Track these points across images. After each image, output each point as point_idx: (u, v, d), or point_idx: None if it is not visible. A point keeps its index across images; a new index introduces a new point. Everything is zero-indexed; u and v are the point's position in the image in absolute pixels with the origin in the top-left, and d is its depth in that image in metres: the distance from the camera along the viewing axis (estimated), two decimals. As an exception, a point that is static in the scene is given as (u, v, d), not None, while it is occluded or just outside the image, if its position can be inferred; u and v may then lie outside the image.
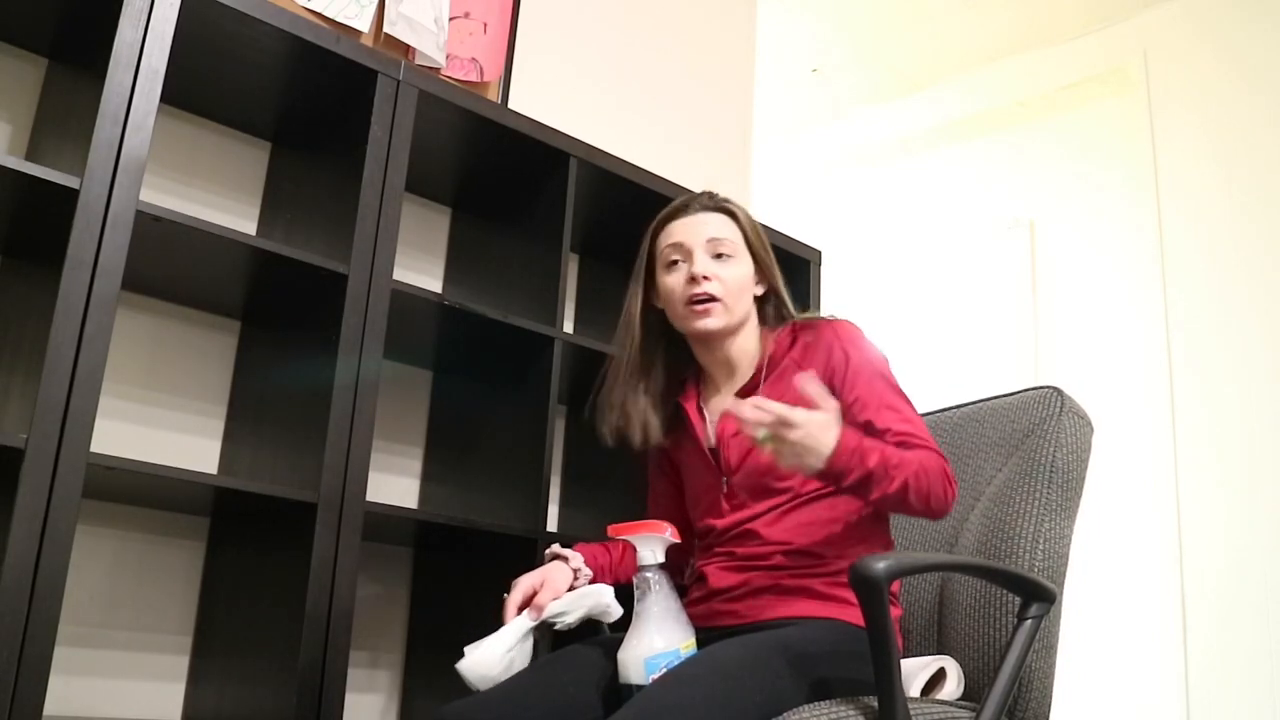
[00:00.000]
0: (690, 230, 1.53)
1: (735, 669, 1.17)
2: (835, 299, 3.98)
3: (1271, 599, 2.98)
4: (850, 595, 1.33)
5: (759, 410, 1.23)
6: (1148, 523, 3.35)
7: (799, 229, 3.11)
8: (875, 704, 1.13)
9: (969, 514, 1.50)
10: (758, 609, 1.39)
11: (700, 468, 1.55)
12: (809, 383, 1.28)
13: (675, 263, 1.53)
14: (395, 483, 2.02)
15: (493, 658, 1.34)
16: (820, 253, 2.48)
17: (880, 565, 1.06)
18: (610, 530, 1.38)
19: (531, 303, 1.91)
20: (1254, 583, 3.03)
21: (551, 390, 1.82)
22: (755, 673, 1.17)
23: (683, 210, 1.56)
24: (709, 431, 1.55)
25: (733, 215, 1.56)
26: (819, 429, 1.24)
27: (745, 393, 1.51)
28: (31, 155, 1.64)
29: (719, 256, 1.52)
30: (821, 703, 1.16)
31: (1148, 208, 3.55)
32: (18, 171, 1.33)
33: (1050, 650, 1.34)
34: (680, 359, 1.61)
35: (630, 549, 1.41)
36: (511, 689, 1.30)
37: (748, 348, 1.56)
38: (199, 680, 1.70)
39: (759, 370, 1.53)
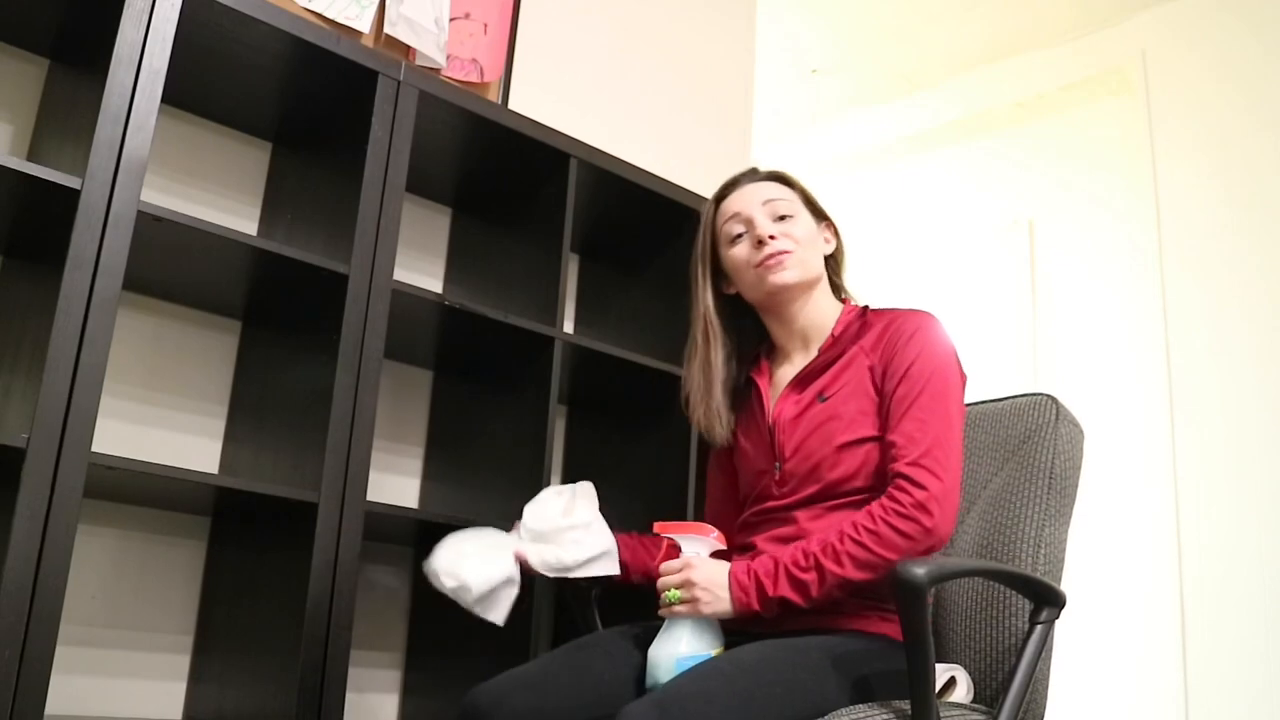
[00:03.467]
0: (745, 200, 1.54)
1: (759, 666, 1.18)
2: (835, 299, 3.98)
3: (1269, 600, 2.99)
4: (876, 606, 1.35)
5: (665, 577, 1.32)
6: (1145, 523, 3.36)
7: (799, 229, 3.11)
8: (908, 708, 1.14)
9: (965, 516, 1.50)
10: (786, 619, 1.37)
11: (757, 448, 1.53)
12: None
13: (739, 236, 1.53)
14: (395, 483, 2.02)
15: (450, 549, 1.38)
16: (820, 253, 2.48)
17: (922, 571, 1.06)
18: (656, 528, 1.39)
19: (531, 303, 1.91)
20: (1252, 583, 3.03)
21: (551, 390, 1.83)
22: (780, 672, 1.18)
23: (733, 186, 1.58)
24: (771, 407, 1.53)
25: (783, 179, 1.57)
26: (713, 580, 1.29)
27: (810, 374, 1.49)
28: (33, 155, 1.64)
29: (781, 219, 1.52)
30: (856, 706, 1.17)
31: (1146, 208, 3.56)
32: (19, 172, 1.33)
33: (1050, 654, 1.36)
34: (753, 341, 1.61)
35: (671, 547, 1.42)
36: (542, 671, 1.30)
37: (820, 316, 1.54)
38: (200, 679, 1.71)
39: (826, 347, 1.50)
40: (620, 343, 2.14)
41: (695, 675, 1.16)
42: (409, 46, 2.14)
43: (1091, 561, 3.50)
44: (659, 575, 1.36)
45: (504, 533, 1.52)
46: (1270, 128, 3.30)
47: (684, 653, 1.27)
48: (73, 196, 1.36)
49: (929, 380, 1.37)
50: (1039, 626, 1.25)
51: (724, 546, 1.38)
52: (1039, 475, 1.41)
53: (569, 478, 2.22)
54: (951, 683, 1.36)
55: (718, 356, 1.56)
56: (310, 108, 1.82)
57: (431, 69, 2.17)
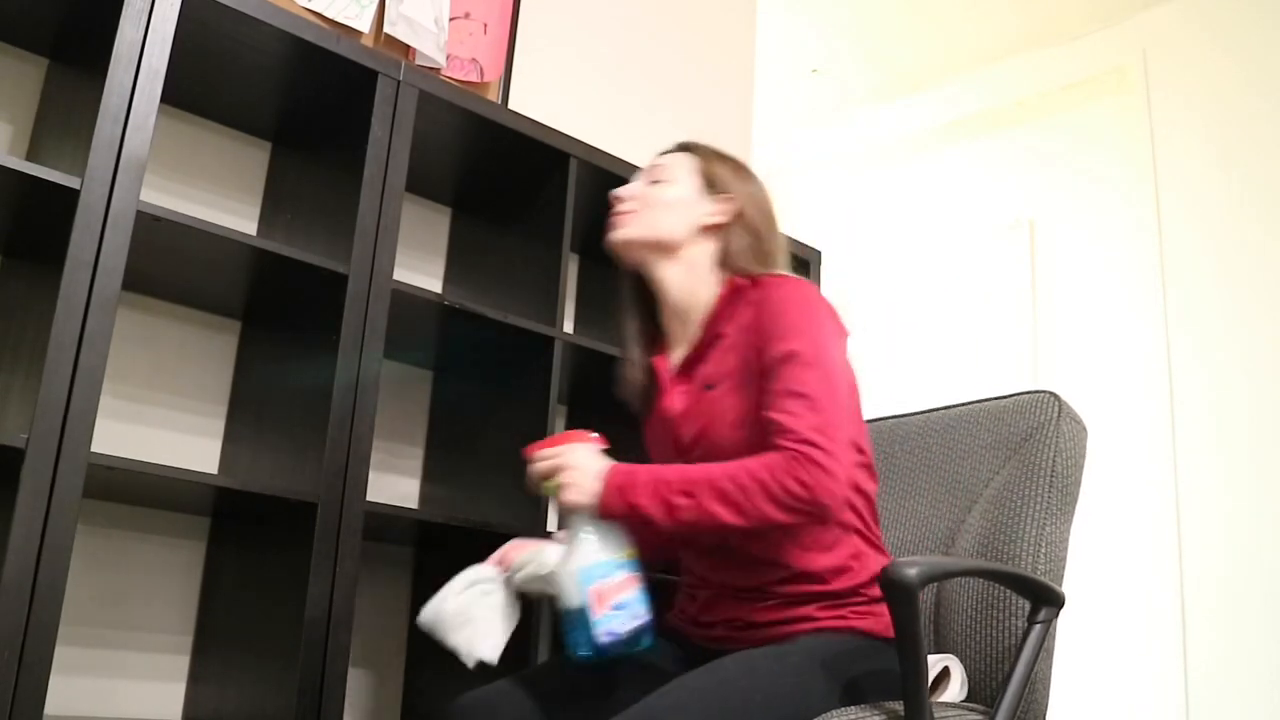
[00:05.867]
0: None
1: (738, 676, 1.16)
2: (835, 299, 3.98)
3: (1270, 598, 2.98)
4: (846, 602, 1.31)
5: (539, 463, 1.29)
6: (1147, 523, 3.35)
7: (799, 229, 3.11)
8: (900, 709, 1.13)
9: (966, 515, 1.49)
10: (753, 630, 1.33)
11: (663, 436, 1.45)
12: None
13: None
14: (395, 483, 2.02)
15: (438, 601, 1.33)
16: (820, 253, 2.48)
17: (913, 571, 1.05)
18: (530, 450, 1.32)
19: (531, 303, 1.91)
20: (1254, 583, 3.03)
21: (551, 390, 1.83)
22: (759, 680, 1.16)
23: None
24: (665, 398, 1.45)
25: (689, 147, 1.51)
26: (583, 468, 1.26)
27: (691, 361, 1.42)
28: (32, 155, 1.64)
29: (653, 184, 1.47)
30: (847, 709, 1.16)
31: (1147, 207, 3.55)
32: (18, 172, 1.33)
33: (1050, 653, 1.35)
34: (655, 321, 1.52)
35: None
36: (533, 681, 1.29)
37: (692, 295, 1.43)
38: (199, 680, 1.70)
39: (703, 330, 1.42)
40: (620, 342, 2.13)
41: (671, 689, 1.13)
42: (409, 46, 2.14)
43: (1092, 561, 3.49)
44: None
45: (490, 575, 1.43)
46: (1271, 126, 3.30)
47: (585, 564, 1.23)
48: (72, 196, 1.36)
49: (803, 350, 1.27)
50: (1037, 626, 1.24)
51: (606, 448, 1.32)
52: (1040, 473, 1.40)
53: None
54: (945, 674, 1.35)
55: (627, 334, 1.52)
56: (310, 108, 1.82)
57: (431, 69, 2.17)
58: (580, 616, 1.22)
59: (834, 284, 2.76)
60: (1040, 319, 3.82)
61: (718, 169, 1.48)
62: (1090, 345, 3.67)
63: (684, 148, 1.52)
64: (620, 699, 1.25)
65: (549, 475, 1.29)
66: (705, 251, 1.44)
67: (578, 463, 1.28)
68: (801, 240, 2.45)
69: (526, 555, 1.36)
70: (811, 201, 4.67)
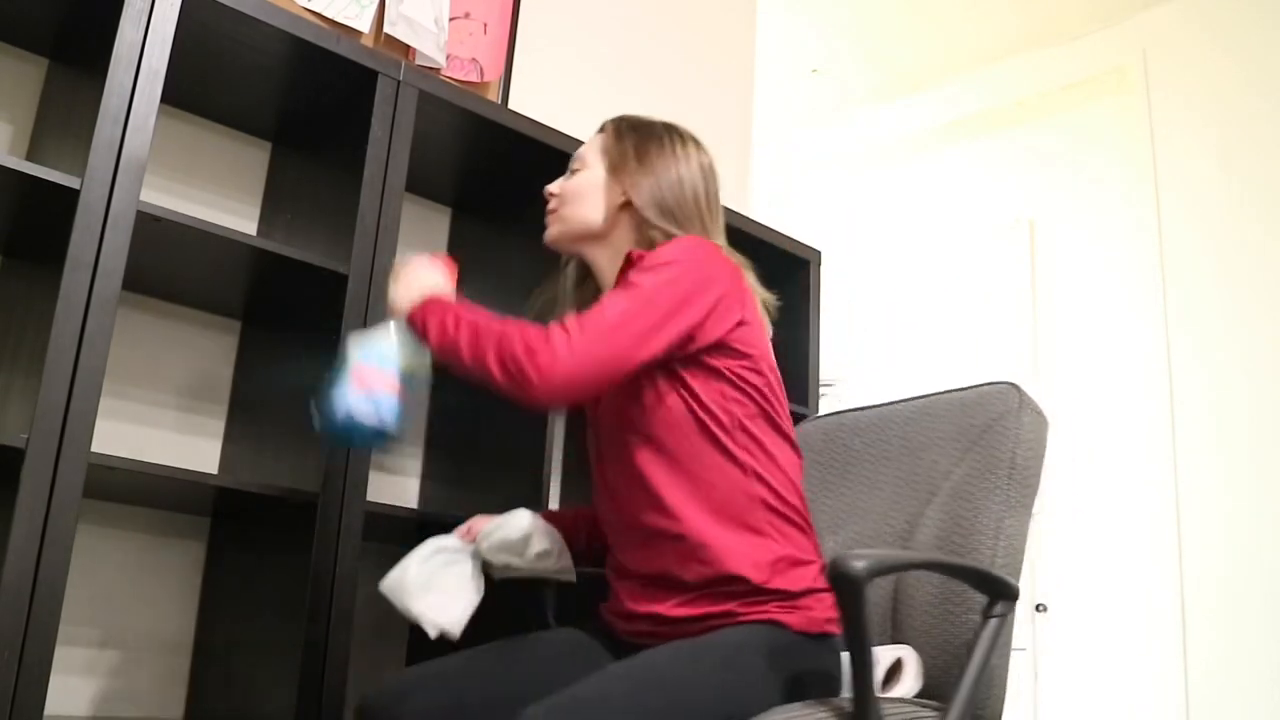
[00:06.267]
0: None
1: (668, 669, 1.13)
2: (835, 299, 3.99)
3: (1271, 598, 2.98)
4: (788, 595, 1.26)
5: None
6: (1147, 523, 3.36)
7: (799, 229, 3.11)
8: (846, 705, 1.10)
9: (925, 508, 1.46)
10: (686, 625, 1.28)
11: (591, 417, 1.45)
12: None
13: None
14: (395, 483, 2.02)
15: (401, 569, 1.35)
16: (820, 253, 2.48)
17: (860, 564, 1.02)
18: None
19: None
20: (1254, 582, 3.03)
21: (551, 390, 1.82)
22: (690, 673, 1.13)
23: None
24: None
25: (603, 129, 1.51)
26: (417, 276, 1.36)
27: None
28: (32, 155, 1.64)
29: (572, 173, 1.48)
30: (790, 705, 1.13)
31: (1147, 207, 3.56)
32: (18, 172, 1.33)
33: (1007, 647, 1.32)
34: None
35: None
36: (454, 667, 1.28)
37: (613, 269, 1.44)
38: (200, 680, 1.71)
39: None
40: (620, 343, 2.13)
41: (597, 679, 1.11)
42: (409, 46, 2.14)
43: (1092, 561, 3.50)
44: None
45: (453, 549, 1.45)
46: (1272, 126, 3.30)
47: (369, 342, 1.31)
48: (72, 196, 1.36)
49: (637, 281, 1.27)
50: (992, 620, 1.21)
51: (450, 274, 1.41)
52: (1000, 465, 1.37)
53: (569, 477, 2.21)
54: (898, 665, 1.32)
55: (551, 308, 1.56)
56: (310, 108, 1.82)
57: (431, 69, 2.17)
58: (338, 387, 1.27)
59: (834, 284, 2.76)
60: (1040, 319, 3.82)
61: (624, 144, 1.46)
62: (1090, 345, 3.67)
63: (600, 128, 1.51)
64: (539, 689, 1.21)
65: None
66: (627, 229, 1.43)
67: (415, 275, 1.38)
68: (801, 240, 2.44)
69: (493, 524, 1.40)
70: (811, 201, 4.67)
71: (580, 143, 1.98)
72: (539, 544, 1.42)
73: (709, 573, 1.26)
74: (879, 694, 1.27)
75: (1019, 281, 3.91)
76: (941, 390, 1.55)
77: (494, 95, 2.31)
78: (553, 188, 1.49)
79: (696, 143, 1.50)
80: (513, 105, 2.32)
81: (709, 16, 2.88)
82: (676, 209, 1.42)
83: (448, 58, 2.22)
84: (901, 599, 1.42)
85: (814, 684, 1.20)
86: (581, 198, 1.46)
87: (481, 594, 1.35)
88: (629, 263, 1.37)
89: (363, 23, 2.07)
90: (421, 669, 1.29)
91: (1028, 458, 1.38)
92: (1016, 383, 1.46)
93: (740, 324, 1.31)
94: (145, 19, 1.45)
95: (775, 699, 1.16)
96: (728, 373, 1.30)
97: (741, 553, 1.26)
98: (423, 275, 1.38)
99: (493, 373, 1.23)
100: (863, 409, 1.65)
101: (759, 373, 1.33)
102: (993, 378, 1.54)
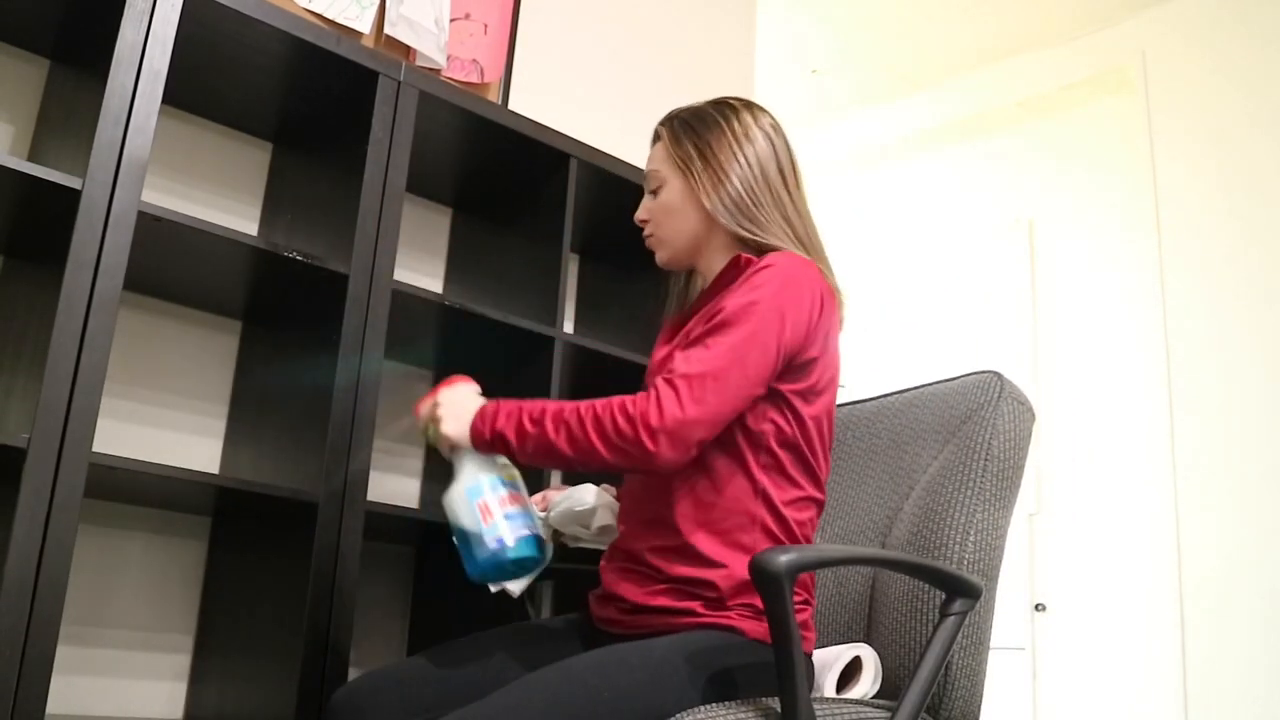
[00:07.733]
0: None
1: (587, 673, 1.12)
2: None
3: (1270, 598, 2.99)
4: (742, 602, 1.25)
5: (421, 409, 1.36)
6: (1145, 523, 3.36)
7: (799, 229, 3.11)
8: (777, 705, 1.07)
9: (903, 503, 1.41)
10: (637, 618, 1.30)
11: None
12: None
13: None
14: (395, 482, 2.02)
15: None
16: (820, 253, 2.48)
17: (782, 559, 0.99)
18: (416, 408, 1.40)
19: (531, 303, 1.91)
20: (1253, 582, 3.04)
21: (551, 390, 1.83)
22: (610, 677, 1.12)
23: None
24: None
25: (659, 136, 1.49)
26: (458, 402, 1.32)
27: (679, 320, 1.47)
28: (33, 156, 1.65)
29: (654, 192, 1.47)
30: (709, 706, 1.10)
31: (1146, 207, 3.56)
32: (20, 172, 1.33)
33: (979, 646, 1.27)
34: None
35: None
36: (416, 668, 1.29)
37: (709, 269, 1.45)
38: (200, 680, 1.71)
39: (701, 295, 1.44)
40: (620, 343, 2.14)
41: (514, 686, 1.11)
42: (409, 47, 2.14)
43: (1091, 561, 3.50)
44: None
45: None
46: (1270, 127, 3.31)
47: (469, 484, 1.27)
48: (73, 197, 1.37)
49: (736, 315, 1.25)
50: (950, 618, 1.15)
51: (478, 389, 1.38)
52: (975, 456, 1.31)
53: (569, 477, 2.22)
54: (857, 664, 1.30)
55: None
56: (310, 108, 1.82)
57: (432, 69, 2.17)
58: (473, 535, 1.25)
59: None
60: (1040, 319, 3.83)
61: (684, 145, 1.43)
62: (1090, 345, 3.67)
63: (656, 136, 1.50)
64: (495, 685, 1.22)
65: (431, 419, 1.34)
66: (711, 229, 1.43)
67: (453, 399, 1.34)
68: (801, 240, 2.45)
69: (562, 495, 1.45)
70: (811, 201, 4.67)
71: (581, 143, 1.99)
72: (602, 518, 1.46)
73: (689, 573, 1.26)
74: (830, 694, 1.26)
75: (1018, 281, 3.92)
76: (931, 382, 1.51)
77: (494, 96, 2.31)
78: (642, 214, 1.48)
79: (750, 106, 1.48)
80: (513, 106, 2.32)
81: (709, 16, 2.88)
82: (754, 206, 1.40)
83: (448, 58, 2.22)
84: (877, 597, 1.38)
85: (757, 686, 1.18)
86: (671, 214, 1.44)
87: (547, 561, 1.35)
88: (735, 267, 1.36)
89: (363, 23, 2.07)
90: (390, 668, 1.30)
91: (1006, 448, 1.32)
92: (1000, 371, 1.41)
93: (812, 359, 1.30)
94: (146, 20, 1.46)
95: (707, 699, 1.14)
96: (778, 390, 1.28)
97: (723, 563, 1.25)
98: (459, 398, 1.34)
99: (602, 455, 1.21)
100: (858, 403, 1.62)
101: (809, 404, 1.30)
102: (989, 376, 1.50)
